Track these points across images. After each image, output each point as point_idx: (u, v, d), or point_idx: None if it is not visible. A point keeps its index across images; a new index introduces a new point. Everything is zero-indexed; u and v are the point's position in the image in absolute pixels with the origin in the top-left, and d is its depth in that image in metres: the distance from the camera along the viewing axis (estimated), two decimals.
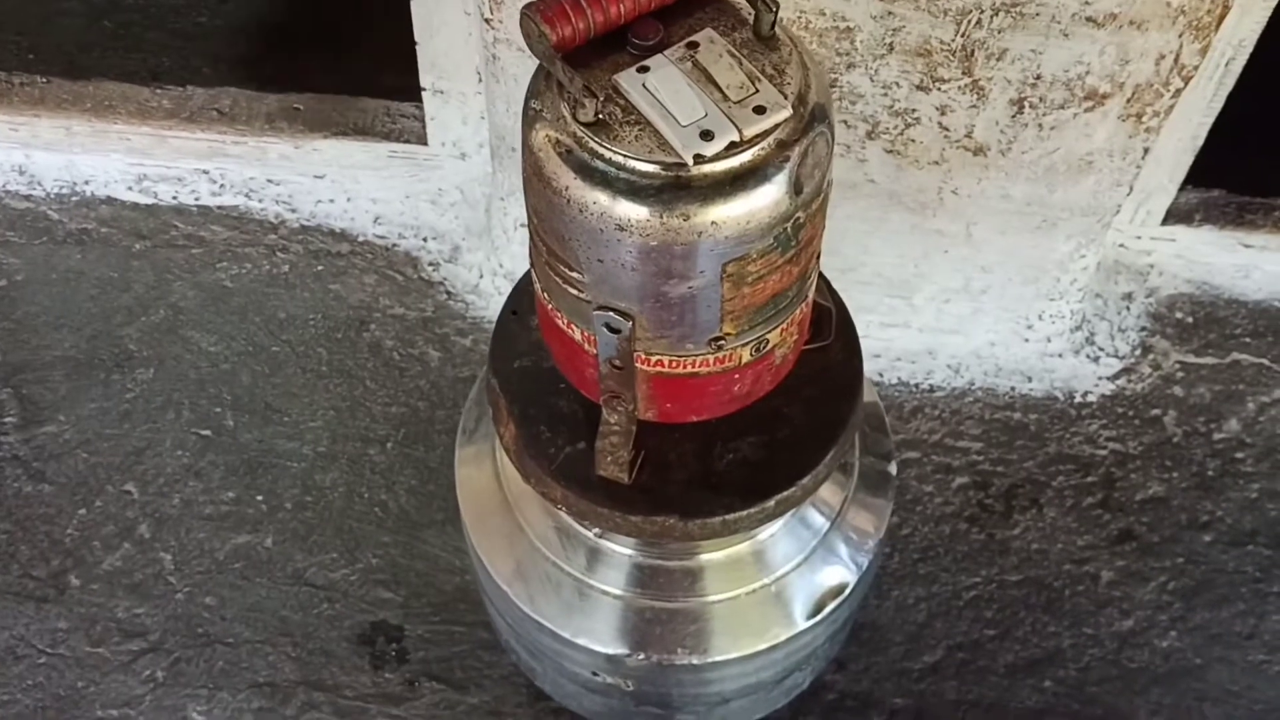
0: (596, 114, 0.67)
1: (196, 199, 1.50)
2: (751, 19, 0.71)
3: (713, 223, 0.67)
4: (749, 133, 0.66)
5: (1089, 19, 1.01)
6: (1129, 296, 1.42)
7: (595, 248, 0.70)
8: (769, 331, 0.77)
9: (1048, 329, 1.38)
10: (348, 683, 1.21)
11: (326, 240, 1.48)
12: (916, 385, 1.39)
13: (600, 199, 0.67)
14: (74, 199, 1.51)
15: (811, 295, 0.81)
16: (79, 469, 1.33)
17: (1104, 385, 1.39)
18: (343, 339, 1.42)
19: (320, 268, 1.47)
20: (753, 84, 0.68)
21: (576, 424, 0.88)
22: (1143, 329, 1.41)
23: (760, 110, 0.67)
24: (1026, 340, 1.38)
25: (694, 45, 0.70)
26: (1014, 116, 1.12)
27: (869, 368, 1.39)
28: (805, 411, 0.88)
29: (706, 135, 0.66)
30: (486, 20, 1.11)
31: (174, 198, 1.50)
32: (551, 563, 0.99)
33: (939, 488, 1.34)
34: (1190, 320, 1.42)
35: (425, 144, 1.41)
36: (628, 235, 0.68)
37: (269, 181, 1.49)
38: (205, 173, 1.49)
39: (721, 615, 0.96)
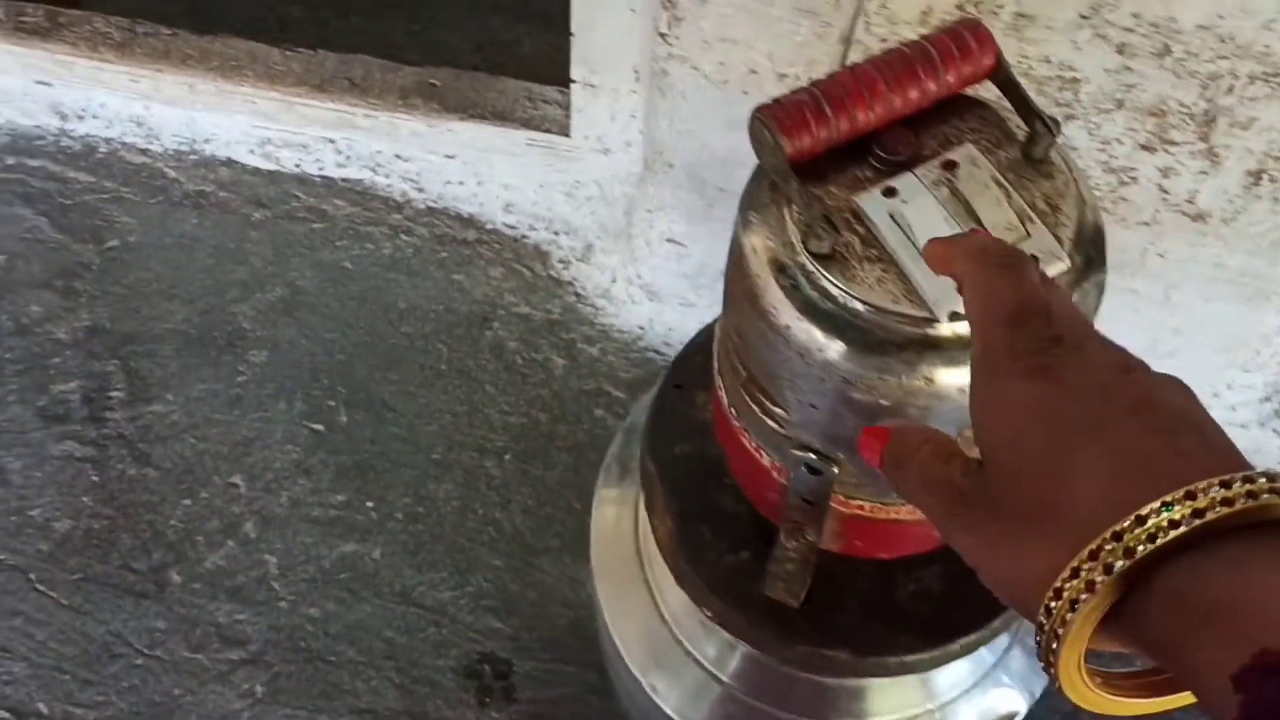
0: (833, 246, 0.56)
1: (320, 169, 1.42)
2: (1021, 135, 0.60)
3: (960, 389, 0.56)
4: None
5: None
6: None
7: (810, 393, 0.60)
8: None
9: (1234, 397, 1.25)
10: (452, 718, 1.15)
11: (453, 225, 1.39)
12: None
13: (826, 346, 0.57)
14: (192, 157, 1.43)
15: None
16: (185, 455, 1.28)
17: None
18: (464, 336, 1.34)
19: (444, 254, 1.38)
20: (1023, 225, 0.56)
21: (743, 528, 0.79)
22: None
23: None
24: (1209, 406, 1.25)
25: (952, 166, 0.58)
26: (1248, 188, 0.98)
27: None
28: None
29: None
30: (662, 35, 0.99)
31: (297, 165, 1.42)
32: (686, 651, 0.91)
33: None
34: None
35: (567, 135, 1.30)
36: (853, 390, 0.57)
37: (397, 157, 1.39)
38: (331, 142, 1.40)
39: None
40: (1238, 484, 0.34)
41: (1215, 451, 0.37)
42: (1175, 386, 0.40)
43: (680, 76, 1.03)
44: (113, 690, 1.16)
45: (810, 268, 0.57)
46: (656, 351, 1.33)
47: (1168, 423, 0.37)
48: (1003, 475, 0.39)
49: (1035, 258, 0.55)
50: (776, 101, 0.58)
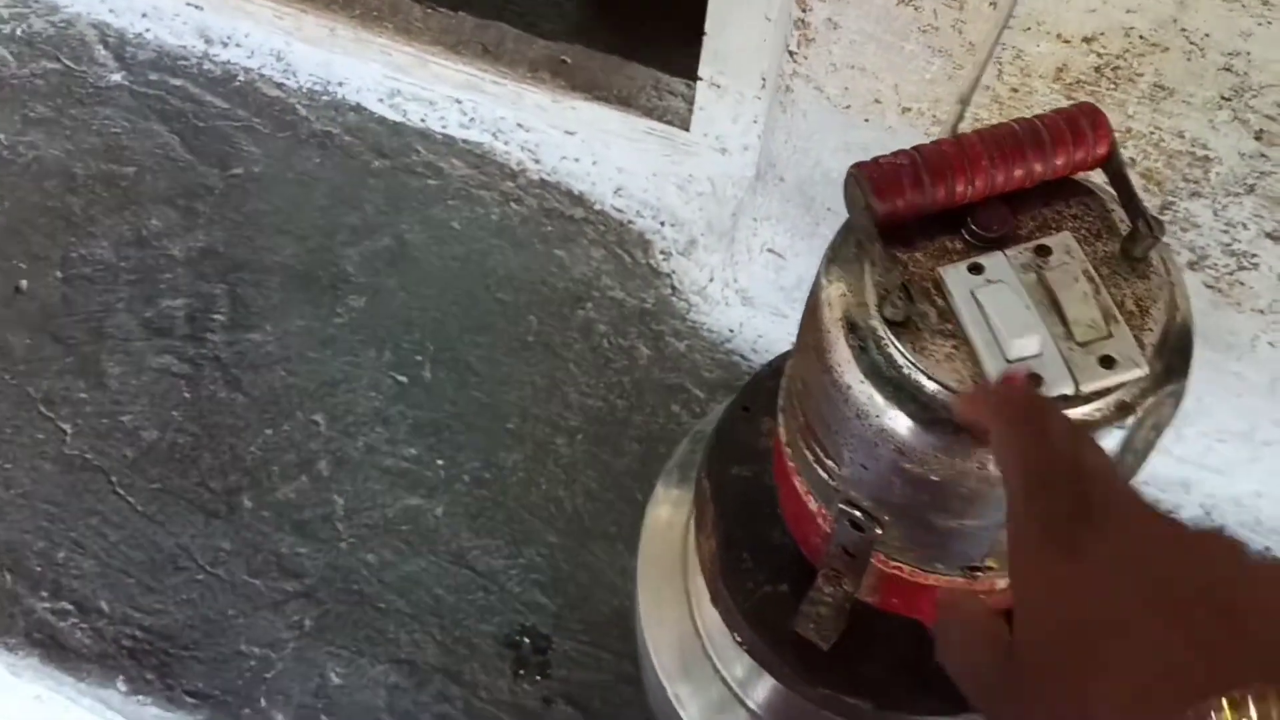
0: (908, 315, 0.56)
1: (444, 127, 1.44)
2: (1124, 228, 0.58)
3: None
4: (1088, 388, 0.54)
5: None
6: None
7: (862, 453, 0.59)
8: None
9: None
10: (485, 683, 1.17)
11: (562, 200, 1.40)
12: None
13: (885, 412, 0.56)
14: (324, 98, 1.47)
15: None
16: (275, 386, 1.32)
17: None
18: (556, 312, 1.35)
19: (550, 228, 1.39)
20: (1107, 325, 0.55)
21: (785, 562, 0.79)
22: None
23: (1108, 363, 0.54)
24: None
25: (1045, 251, 0.57)
26: None
27: None
28: None
29: (1034, 380, 0.54)
30: (790, 53, 0.98)
31: (422, 120, 1.44)
32: (714, 666, 0.91)
33: None
34: None
35: (687, 130, 1.30)
36: (905, 460, 0.57)
37: (519, 126, 1.41)
38: (458, 102, 1.42)
39: None
40: (1262, 701, 0.32)
41: (1247, 646, 0.35)
42: (1214, 550, 0.38)
43: (803, 95, 1.02)
44: (171, 601, 1.21)
45: (881, 333, 0.56)
46: (743, 356, 1.33)
47: (1200, 614, 0.35)
48: (1029, 674, 0.38)
49: (1113, 359, 0.54)
50: (875, 161, 0.57)
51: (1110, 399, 0.54)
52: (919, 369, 0.55)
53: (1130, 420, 0.55)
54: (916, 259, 0.58)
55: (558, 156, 1.41)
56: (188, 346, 1.34)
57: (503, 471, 1.28)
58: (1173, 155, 0.90)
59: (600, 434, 1.29)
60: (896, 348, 0.56)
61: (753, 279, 1.29)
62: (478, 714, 1.16)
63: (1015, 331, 0.54)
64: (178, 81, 1.49)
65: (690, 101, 1.29)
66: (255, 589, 1.22)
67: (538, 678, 1.18)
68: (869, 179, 0.56)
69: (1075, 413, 0.54)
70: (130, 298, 1.36)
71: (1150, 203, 0.95)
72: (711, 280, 1.35)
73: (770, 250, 1.24)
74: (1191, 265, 1.00)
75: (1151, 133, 0.89)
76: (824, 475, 0.64)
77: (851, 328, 0.58)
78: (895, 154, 0.57)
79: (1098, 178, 0.60)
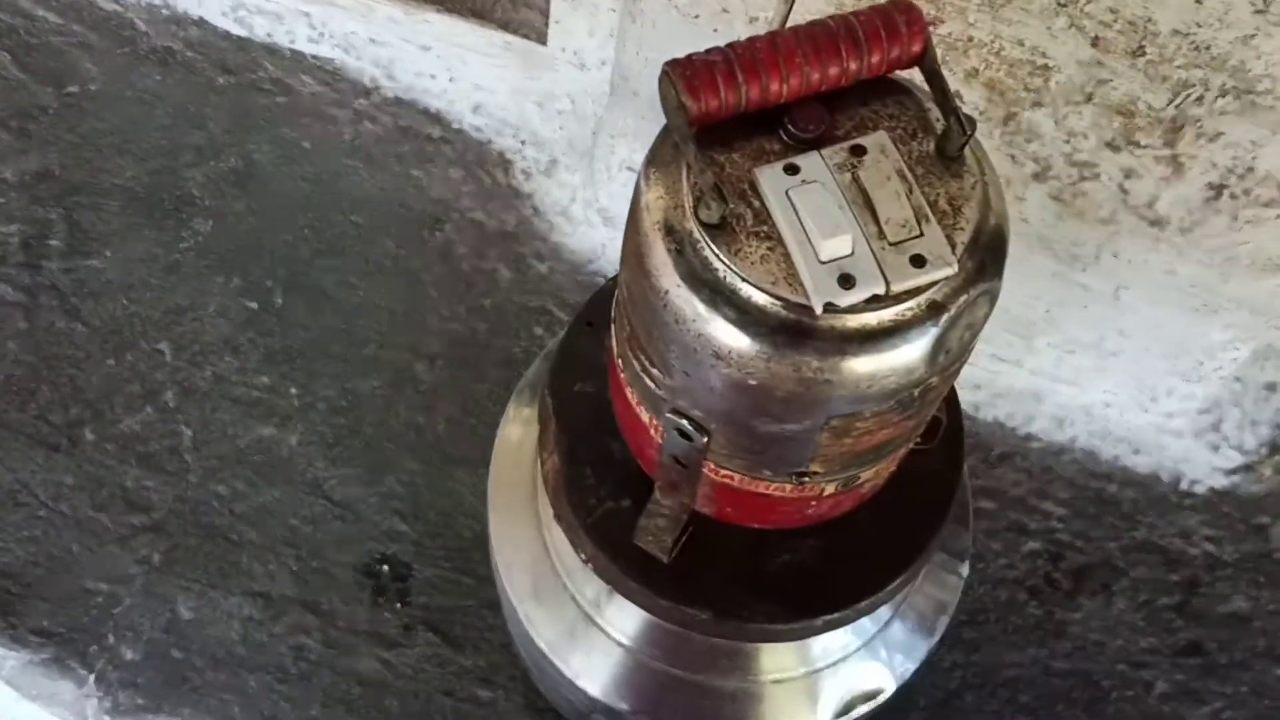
0: (723, 216, 0.55)
1: (291, 42, 1.38)
2: (939, 127, 0.57)
3: (826, 380, 0.55)
4: (897, 288, 0.53)
5: None
6: (1272, 387, 1.27)
7: (684, 360, 0.58)
8: (865, 470, 0.66)
9: (1172, 405, 1.24)
10: (343, 613, 1.15)
11: (418, 119, 1.36)
12: (1013, 429, 1.27)
13: (703, 316, 0.55)
14: (164, 12, 1.39)
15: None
16: (116, 315, 1.26)
17: (1216, 478, 1.25)
18: (413, 234, 1.32)
19: (406, 148, 1.35)
20: (919, 224, 0.54)
21: (627, 476, 0.78)
22: (1277, 426, 1.27)
23: (919, 262, 0.54)
24: (1145, 410, 1.25)
25: (860, 151, 0.56)
26: (1208, 200, 0.96)
27: (969, 399, 1.27)
28: (882, 525, 0.77)
29: (846, 280, 0.53)
30: None
31: (268, 35, 1.38)
32: (565, 586, 0.90)
33: (1008, 548, 1.23)
34: None
35: (544, 44, 1.27)
36: (723, 364, 0.56)
37: (371, 41, 1.36)
38: (306, 15, 1.36)
39: (737, 698, 0.88)
40: None
41: None
42: None
43: (652, 4, 1.00)
44: (13, 538, 1.16)
45: (696, 235, 0.55)
46: (605, 277, 1.31)
47: None
48: None
49: (924, 259, 0.54)
50: (688, 59, 0.55)
51: (922, 298, 0.54)
52: (734, 271, 0.54)
53: (943, 319, 0.55)
54: (734, 160, 0.57)
55: (412, 73, 1.36)
56: (23, 274, 1.27)
57: (360, 399, 1.25)
58: (1014, 64, 0.90)
59: (461, 358, 1.27)
60: (712, 250, 0.55)
61: (613, 198, 1.27)
62: (335, 643, 1.14)
63: (827, 232, 0.53)
64: None
65: (546, 14, 1.26)
66: (100, 524, 1.17)
67: (398, 605, 1.17)
68: (681, 77, 0.54)
69: (886, 314, 0.54)
70: None
71: (994, 114, 0.96)
72: (574, 200, 1.32)
73: (629, 168, 1.22)
74: (1036, 177, 1.01)
75: (992, 41, 0.89)
76: (651, 385, 0.63)
77: (669, 231, 0.56)
78: (709, 51, 0.55)
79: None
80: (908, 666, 0.90)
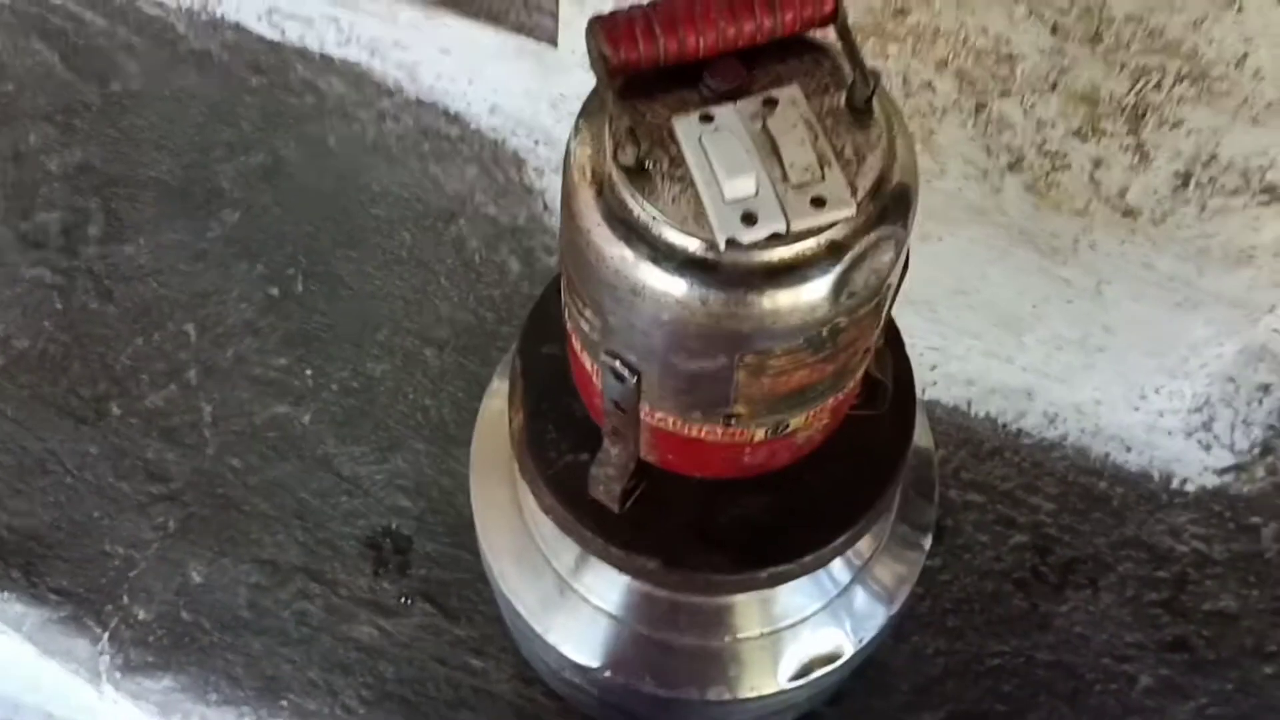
0: (639, 159, 0.59)
1: (321, 45, 1.45)
2: (850, 83, 0.61)
3: (733, 314, 0.59)
4: (797, 227, 0.57)
5: None
6: (1265, 389, 1.27)
7: (609, 299, 0.63)
8: (792, 417, 0.70)
9: (1163, 403, 1.25)
10: (345, 582, 1.20)
11: (438, 120, 1.42)
12: (1004, 425, 1.29)
13: (621, 253, 0.60)
14: (204, 17, 1.47)
15: (854, 384, 0.73)
16: (146, 298, 1.33)
17: (1207, 477, 1.26)
18: (429, 227, 1.38)
19: (426, 146, 1.41)
20: (821, 168, 0.58)
21: (587, 432, 0.82)
22: (1270, 428, 1.27)
23: (819, 203, 0.58)
24: (1136, 409, 1.26)
25: (772, 103, 0.60)
26: (1176, 190, 0.98)
27: (961, 394, 1.29)
28: (830, 484, 0.81)
29: (749, 219, 0.57)
30: None
31: (300, 39, 1.45)
32: (539, 550, 0.94)
33: (995, 540, 1.24)
34: None
35: (555, 46, 1.33)
36: (640, 300, 0.60)
37: (395, 44, 1.43)
38: (335, 20, 1.44)
39: (699, 656, 0.91)
40: None
41: None
42: None
43: None
44: (39, 503, 1.23)
45: (615, 178, 0.60)
46: None
47: None
48: None
49: (823, 199, 0.58)
50: (612, 14, 0.60)
51: (822, 238, 0.58)
52: (648, 211, 0.59)
53: (845, 259, 0.58)
54: (655, 110, 0.61)
55: (434, 75, 1.43)
56: (61, 259, 1.35)
57: (371, 381, 1.30)
58: (980, 53, 0.94)
59: (469, 345, 1.32)
60: (629, 191, 0.59)
61: None
62: (336, 610, 1.19)
63: (733, 173, 0.57)
64: (57, 1, 1.49)
65: (557, 17, 1.31)
66: (121, 492, 1.24)
67: (398, 576, 1.21)
68: (603, 30, 0.59)
69: (786, 252, 0.58)
70: (6, 211, 1.37)
71: (964, 104, 0.99)
72: None
73: None
74: (1011, 167, 1.04)
75: (959, 29, 0.93)
76: (587, 328, 0.68)
77: (591, 175, 0.61)
78: (632, 8, 0.60)
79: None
80: (866, 632, 0.92)
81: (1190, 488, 1.26)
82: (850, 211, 0.58)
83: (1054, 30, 0.89)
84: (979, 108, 0.99)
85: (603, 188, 0.60)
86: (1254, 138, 0.90)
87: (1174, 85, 0.89)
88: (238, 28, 1.47)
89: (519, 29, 1.35)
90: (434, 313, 1.34)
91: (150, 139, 1.42)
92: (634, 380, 0.66)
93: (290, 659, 1.17)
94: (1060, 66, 0.92)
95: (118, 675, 1.16)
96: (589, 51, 0.60)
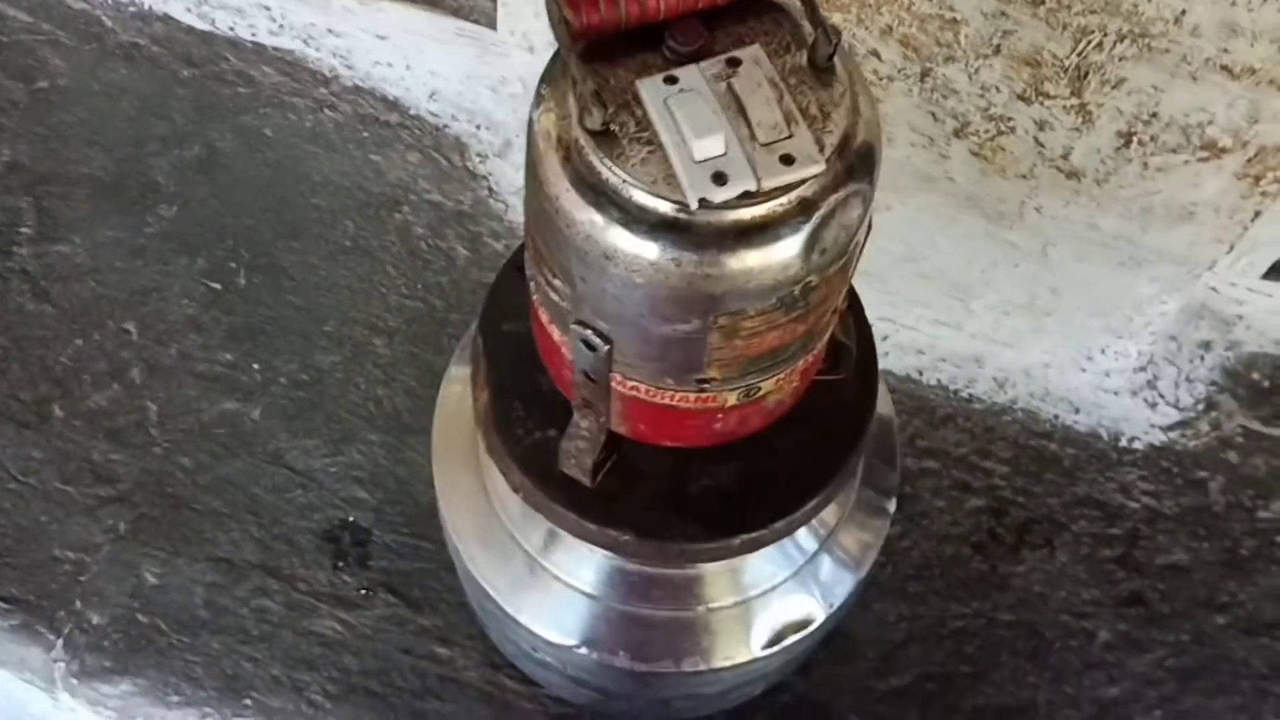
0: (605, 122, 0.59)
1: (253, 35, 1.43)
2: (810, 41, 0.61)
3: (706, 275, 0.59)
4: (768, 185, 0.57)
5: (1224, 67, 0.88)
6: (1206, 346, 1.31)
7: (579, 265, 0.62)
8: (763, 380, 0.70)
9: (1109, 364, 1.27)
10: (304, 576, 1.19)
11: (377, 106, 1.41)
12: (955, 392, 1.30)
13: (591, 218, 0.59)
14: (130, 9, 1.44)
15: (822, 346, 0.73)
16: (84, 297, 1.30)
17: (1154, 434, 1.29)
18: (372, 216, 1.36)
19: (365, 134, 1.40)
20: (788, 126, 0.58)
21: (554, 408, 0.81)
22: (1212, 384, 1.30)
23: (788, 160, 0.58)
24: (1083, 370, 1.28)
25: (735, 63, 0.60)
26: (1118, 149, 1.00)
27: (912, 363, 1.31)
28: (798, 449, 0.81)
29: (719, 178, 0.57)
30: None
31: (231, 29, 1.43)
32: (507, 531, 0.94)
33: (951, 505, 1.26)
34: (1266, 385, 1.31)
35: (494, 29, 1.31)
36: (612, 265, 0.60)
37: (329, 32, 1.40)
38: (267, 9, 1.41)
39: (672, 628, 0.91)
40: None
41: None
42: None
43: None
44: None
45: (582, 142, 0.59)
46: None
47: None
48: None
49: (792, 157, 0.58)
50: None
51: (793, 194, 0.58)
52: (616, 174, 0.58)
53: (815, 216, 0.59)
54: (618, 74, 0.61)
55: (370, 62, 1.41)
56: None
57: (321, 373, 1.28)
58: (924, 19, 0.95)
59: (419, 333, 1.31)
60: (596, 155, 0.59)
61: None
62: (296, 605, 1.17)
63: (701, 133, 0.57)
64: None
65: (495, 0, 1.30)
66: (68, 496, 1.21)
67: (358, 569, 1.20)
68: None
69: (758, 210, 0.58)
70: None
71: (909, 71, 1.00)
72: None
73: None
74: (957, 134, 1.05)
75: None
76: (556, 298, 0.67)
77: (557, 141, 0.60)
78: None
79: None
80: (835, 598, 0.93)
81: (1138, 445, 1.28)
82: (820, 168, 0.58)
83: None
84: (924, 74, 0.99)
85: (569, 153, 0.60)
86: (1193, 94, 0.92)
87: (1115, 44, 0.90)
88: (166, 19, 1.44)
89: (456, 12, 1.34)
90: (382, 302, 1.32)
91: (81, 135, 1.38)
92: (605, 349, 0.66)
93: (251, 657, 1.15)
94: (1003, 29, 0.93)
95: (74, 682, 1.13)
96: (549, 15, 0.60)
